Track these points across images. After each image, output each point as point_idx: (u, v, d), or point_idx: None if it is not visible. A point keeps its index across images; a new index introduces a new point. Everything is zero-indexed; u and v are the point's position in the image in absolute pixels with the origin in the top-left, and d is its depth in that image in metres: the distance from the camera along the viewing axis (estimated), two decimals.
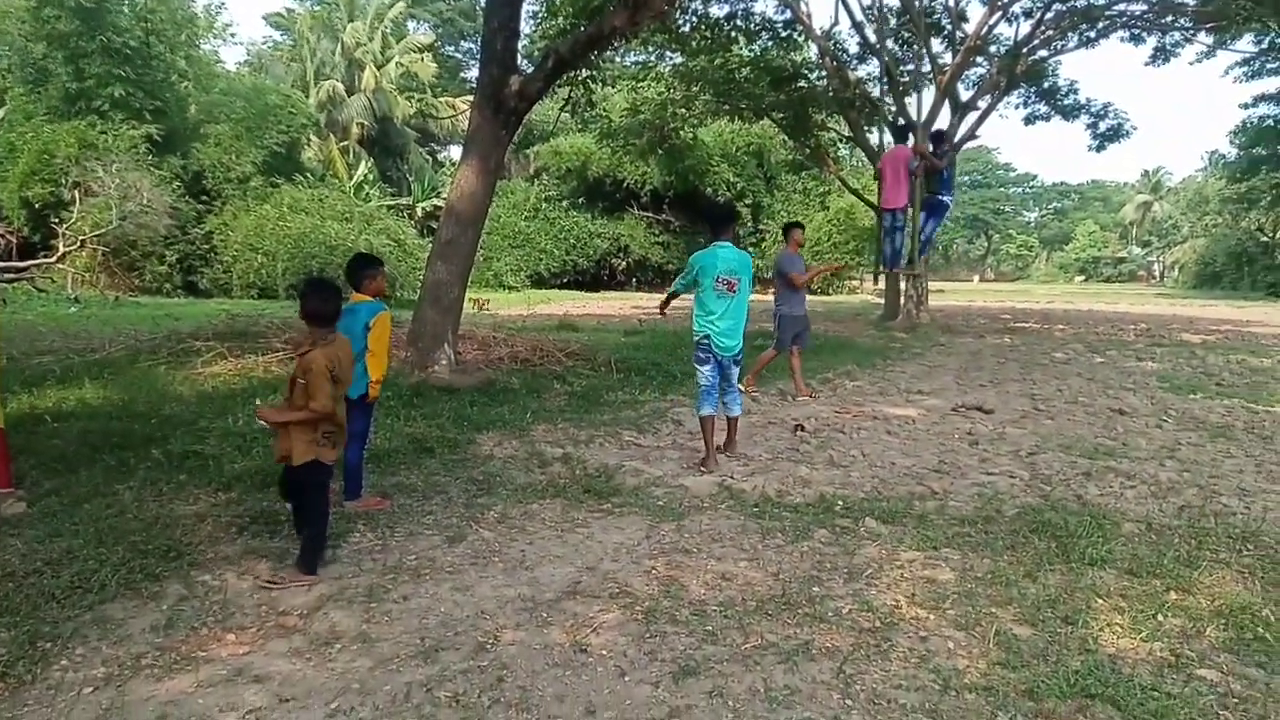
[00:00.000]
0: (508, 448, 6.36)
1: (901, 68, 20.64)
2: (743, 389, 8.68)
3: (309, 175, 26.77)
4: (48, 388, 7.88)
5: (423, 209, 36.71)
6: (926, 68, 21.42)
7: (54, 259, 20.96)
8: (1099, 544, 4.29)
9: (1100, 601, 3.68)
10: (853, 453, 6.47)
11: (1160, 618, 3.51)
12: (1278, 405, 8.68)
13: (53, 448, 5.79)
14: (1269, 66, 36.40)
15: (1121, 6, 19.46)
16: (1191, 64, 25.47)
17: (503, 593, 3.80)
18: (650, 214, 38.65)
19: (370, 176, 33.77)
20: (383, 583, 3.85)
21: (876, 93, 21.21)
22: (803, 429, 7.25)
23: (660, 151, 27.39)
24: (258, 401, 3.79)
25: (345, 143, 36.22)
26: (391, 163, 39.37)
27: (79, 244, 21.26)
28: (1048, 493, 5.35)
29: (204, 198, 23.89)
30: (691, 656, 3.20)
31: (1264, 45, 23.78)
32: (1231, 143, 42.40)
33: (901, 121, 15.29)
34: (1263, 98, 38.27)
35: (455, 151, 52.02)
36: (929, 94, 21.70)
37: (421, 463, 5.83)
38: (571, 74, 10.73)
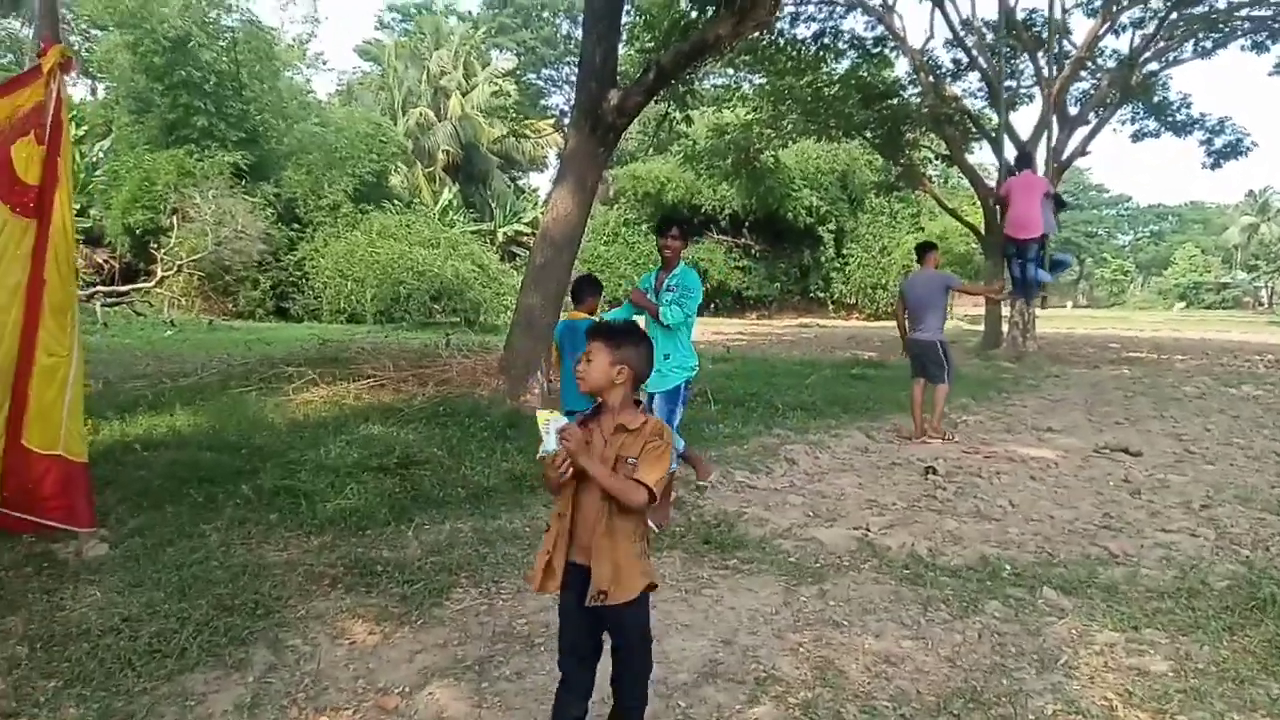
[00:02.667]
0: (549, 466, 5.84)
1: (1004, 83, 19.69)
2: (943, 439, 8.05)
3: (397, 202, 27.10)
4: (139, 414, 7.72)
5: (504, 234, 36.98)
6: (1028, 81, 20.47)
7: (152, 283, 21.58)
8: None
9: None
10: (999, 502, 5.75)
11: None
12: None
13: (140, 480, 5.52)
14: None
15: (1247, 11, 18.15)
16: None
17: None
18: (729, 238, 38.13)
19: (454, 202, 34.15)
20: (493, 654, 3.35)
21: (976, 107, 20.38)
22: (934, 472, 6.55)
23: (743, 174, 26.92)
24: (546, 413, 2.36)
25: (431, 169, 36.82)
26: (475, 189, 39.81)
27: (176, 269, 21.86)
28: (1248, 558, 4.56)
29: (296, 225, 24.36)
30: None
31: None
32: None
33: (1024, 149, 14.41)
34: None
35: (536, 178, 52.60)
36: (1029, 110, 20.76)
37: (523, 503, 5.36)
38: (668, 90, 10.30)
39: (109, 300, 20.32)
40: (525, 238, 37.84)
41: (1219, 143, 21.64)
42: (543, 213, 34.44)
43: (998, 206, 12.76)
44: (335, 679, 3.12)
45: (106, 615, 3.47)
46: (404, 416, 7.72)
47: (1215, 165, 22.47)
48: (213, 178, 21.90)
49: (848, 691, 3.12)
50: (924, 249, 8.39)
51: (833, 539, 4.82)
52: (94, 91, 30.89)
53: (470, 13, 52.07)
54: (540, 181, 53.49)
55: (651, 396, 5.87)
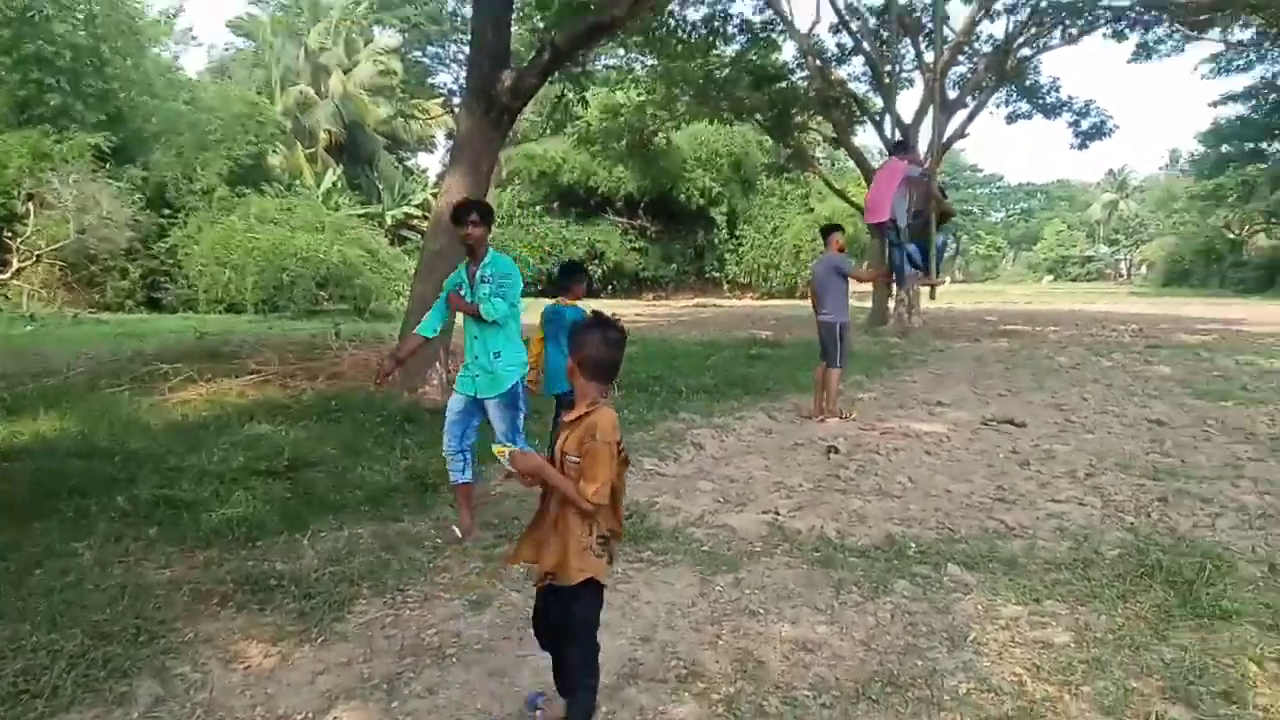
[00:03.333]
0: (520, 481, 5.69)
1: (885, 67, 20.25)
2: (840, 418, 8.12)
3: (276, 184, 25.82)
4: None
5: (393, 217, 35.79)
6: (909, 66, 21.10)
7: (7, 274, 19.91)
8: (1223, 591, 3.74)
9: (1256, 670, 3.12)
10: (899, 479, 5.90)
11: None
12: None
13: (1, 494, 5.03)
14: (1236, 63, 36.83)
15: (1108, 2, 19.22)
16: (1164, 58, 25.92)
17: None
18: (625, 220, 38.13)
19: (339, 184, 32.80)
20: (401, 669, 3.18)
21: (861, 91, 20.90)
22: (836, 451, 6.67)
23: (637, 156, 26.89)
24: (502, 447, 2.73)
25: (313, 150, 35.22)
26: (360, 170, 38.33)
27: (34, 259, 20.23)
28: (1133, 525, 4.81)
29: (166, 210, 22.85)
30: None
31: (1234, 39, 23.72)
32: (1200, 141, 42.75)
33: (899, 136, 14.82)
34: (1231, 96, 38.57)
35: (424, 159, 51.11)
36: (910, 93, 21.46)
37: (425, 503, 5.17)
38: (562, 71, 10.10)
39: None
40: (416, 220, 36.74)
41: (1085, 124, 22.89)
42: (434, 195, 33.45)
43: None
44: (230, 708, 2.90)
45: None
46: (293, 414, 7.36)
47: (1082, 146, 23.78)
48: (72, 160, 20.26)
49: (768, 683, 3.10)
50: (826, 231, 8.51)
51: (744, 524, 4.83)
52: None
53: None
54: (429, 162, 52.08)
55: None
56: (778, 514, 5.05)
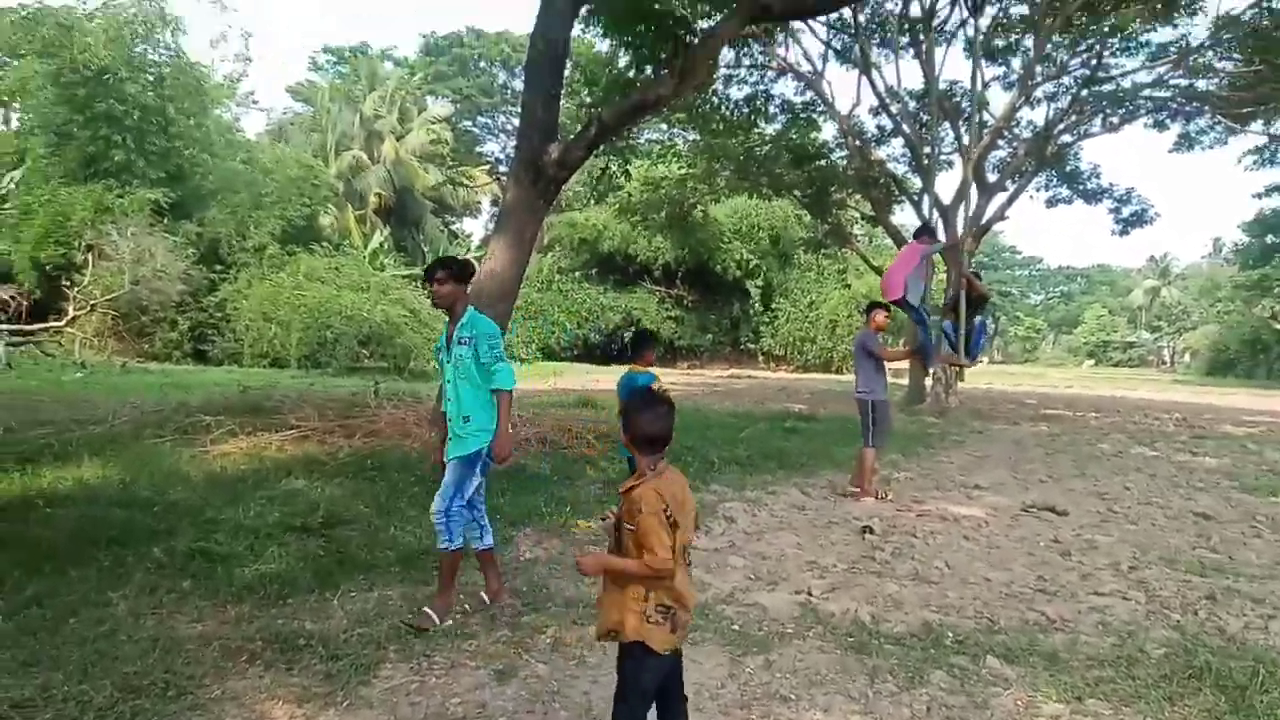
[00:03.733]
0: (549, 549, 5.69)
1: (925, 149, 20.49)
2: (876, 498, 8.00)
3: (325, 244, 26.56)
4: (44, 465, 7.25)
5: None
6: (949, 148, 21.33)
7: (63, 322, 20.56)
8: (1278, 699, 3.57)
9: None
10: (936, 564, 5.76)
11: None
12: None
13: (43, 540, 5.12)
14: None
15: (1149, 92, 19.36)
16: (1206, 149, 26.15)
17: None
18: (662, 289, 38.51)
19: (385, 245, 33.64)
20: None
21: (900, 171, 21.13)
22: (871, 531, 6.56)
23: (676, 226, 27.33)
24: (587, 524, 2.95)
25: (362, 212, 36.28)
26: (407, 233, 39.39)
27: (89, 308, 20.89)
28: (1180, 623, 4.64)
29: (219, 265, 23.59)
30: None
31: (1277, 132, 23.62)
32: (1244, 230, 42.36)
33: (936, 217, 14.87)
34: (1275, 188, 38.30)
35: (469, 224, 52.31)
36: (949, 175, 21.63)
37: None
38: (607, 144, 10.37)
39: (14, 339, 19.24)
40: None
41: (1126, 211, 22.88)
42: (477, 258, 34.20)
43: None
44: None
45: None
46: (329, 470, 7.43)
47: (1123, 233, 23.75)
48: (131, 214, 21.09)
49: None
50: (869, 308, 8.50)
51: (775, 604, 4.74)
52: (6, 121, 29.64)
53: (406, 58, 52.08)
54: (473, 227, 53.28)
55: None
56: (810, 594, 4.95)
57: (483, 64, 52.14)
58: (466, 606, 4.49)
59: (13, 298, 22.32)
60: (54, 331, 20.64)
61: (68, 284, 21.00)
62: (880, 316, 8.25)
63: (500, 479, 7.57)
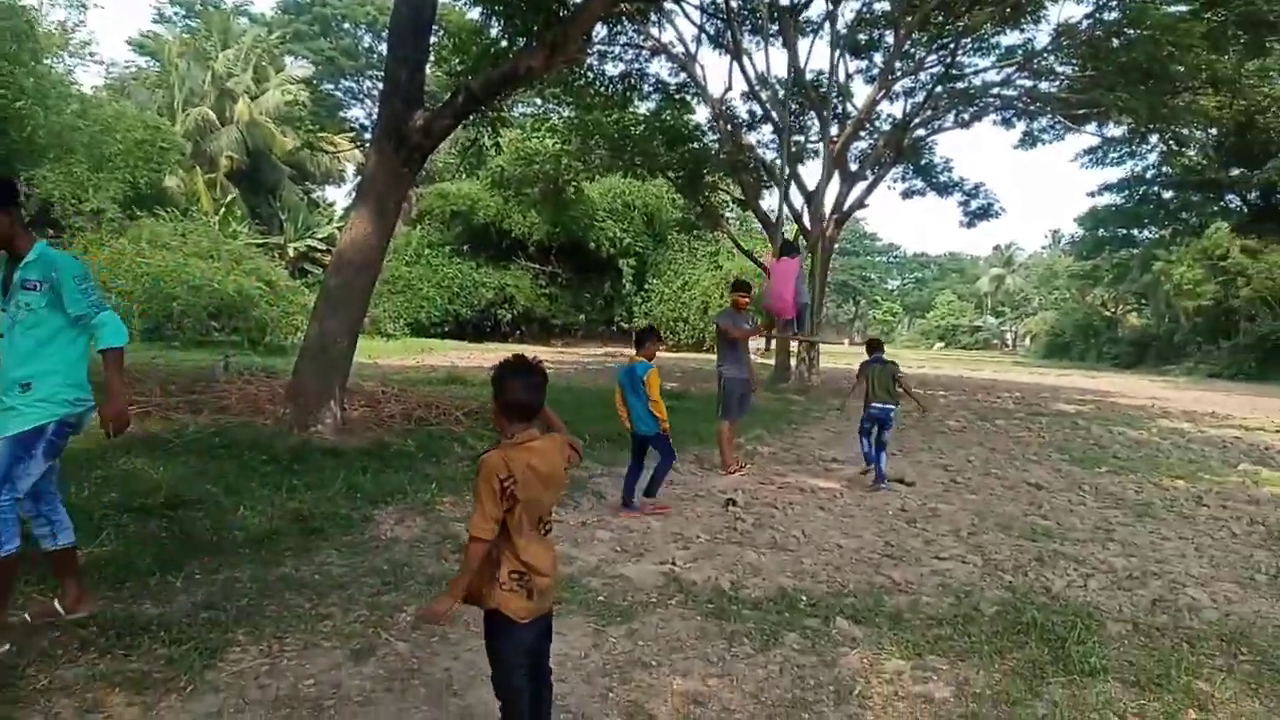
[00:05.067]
0: (412, 527, 5.55)
1: (792, 137, 21.10)
2: (732, 470, 8.14)
3: (172, 209, 24.79)
4: None
5: (295, 249, 34.86)
6: (814, 137, 22.07)
7: None
8: (1092, 649, 3.92)
9: None
10: (794, 533, 5.99)
11: None
12: (1180, 480, 8.85)
13: None
14: (1111, 157, 39.83)
15: (997, 91, 20.62)
16: (1046, 144, 28.48)
17: None
18: (537, 265, 38.14)
19: (239, 213, 31.75)
20: None
21: (769, 158, 21.68)
22: (734, 504, 6.75)
23: (550, 202, 27.09)
24: None
25: (213, 176, 34.07)
26: (263, 199, 37.27)
27: None
28: (1011, 584, 5.01)
29: (50, 231, 21.60)
30: None
31: (1108, 134, 25.70)
32: (1079, 224, 45.89)
33: (787, 241, 15.32)
34: (1106, 187, 41.61)
35: (331, 191, 50.11)
36: (814, 164, 22.39)
37: (311, 547, 4.94)
38: (477, 114, 10.13)
39: None
40: (319, 254, 35.87)
41: (974, 205, 24.42)
42: (339, 229, 32.78)
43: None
44: None
45: None
46: (172, 449, 6.98)
47: (970, 224, 25.35)
48: None
49: None
50: (732, 287, 8.68)
51: (640, 575, 4.82)
52: None
53: (263, 14, 49.13)
54: (336, 196, 51.07)
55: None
56: (674, 564, 5.06)
57: (346, 25, 49.85)
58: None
59: None
60: None
61: None
62: (742, 296, 8.45)
63: (363, 456, 7.34)
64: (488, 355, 25.90)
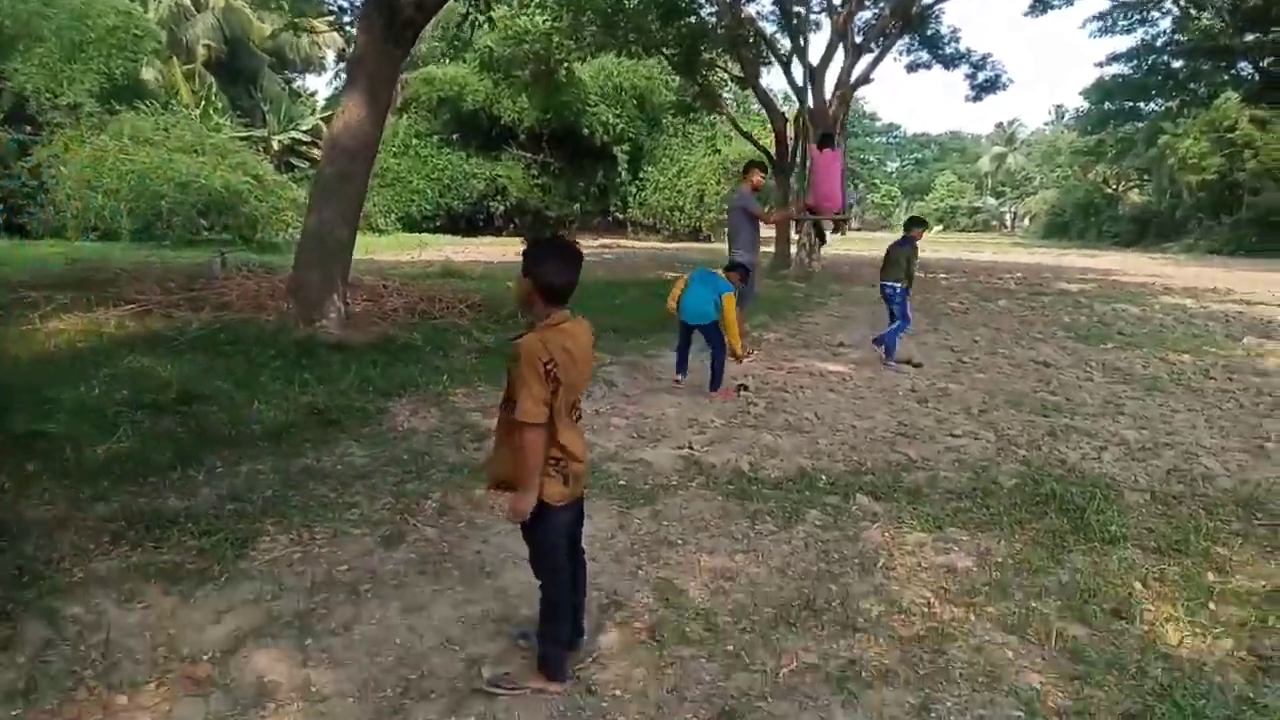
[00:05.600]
0: (427, 418, 5.55)
1: (794, 8, 20.18)
2: (748, 356, 8.10)
3: (151, 102, 23.87)
4: None
5: (280, 142, 33.83)
6: (818, 7, 21.12)
7: None
8: (1111, 518, 3.98)
9: (1141, 589, 3.35)
10: (807, 415, 6.02)
11: (1213, 606, 3.21)
12: (1186, 355, 8.87)
13: None
14: (1121, 24, 38.36)
15: None
16: (1059, 8, 27.47)
17: (467, 611, 3.11)
18: (529, 154, 37.15)
19: (220, 105, 30.67)
20: (313, 606, 3.07)
21: (769, 31, 20.85)
22: (745, 389, 6.76)
23: (541, 85, 26.13)
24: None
25: (191, 66, 32.74)
26: (243, 90, 35.90)
27: None
28: (1026, 458, 5.06)
29: (27, 127, 20.88)
30: (726, 692, 2.63)
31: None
32: (1084, 97, 44.65)
33: (828, 131, 14.64)
34: (1115, 56, 40.28)
35: (312, 80, 48.28)
36: (816, 38, 21.49)
37: (329, 439, 4.95)
38: None
39: None
40: (304, 146, 34.86)
41: (981, 77, 23.61)
42: (324, 119, 31.64)
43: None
44: (129, 649, 2.73)
45: None
46: (177, 346, 6.93)
47: (977, 98, 24.58)
48: None
49: (689, 610, 3.14)
50: (748, 168, 8.37)
51: (659, 459, 4.85)
52: None
53: None
54: (317, 84, 49.24)
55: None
56: (692, 448, 5.09)
57: None
58: (345, 476, 4.33)
59: None
60: None
61: None
62: (757, 177, 8.21)
63: (371, 351, 7.30)
64: (483, 249, 25.62)
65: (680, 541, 3.75)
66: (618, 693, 2.61)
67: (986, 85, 23.72)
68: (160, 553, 3.39)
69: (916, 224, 8.81)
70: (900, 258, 8.29)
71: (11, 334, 7.10)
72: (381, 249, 22.98)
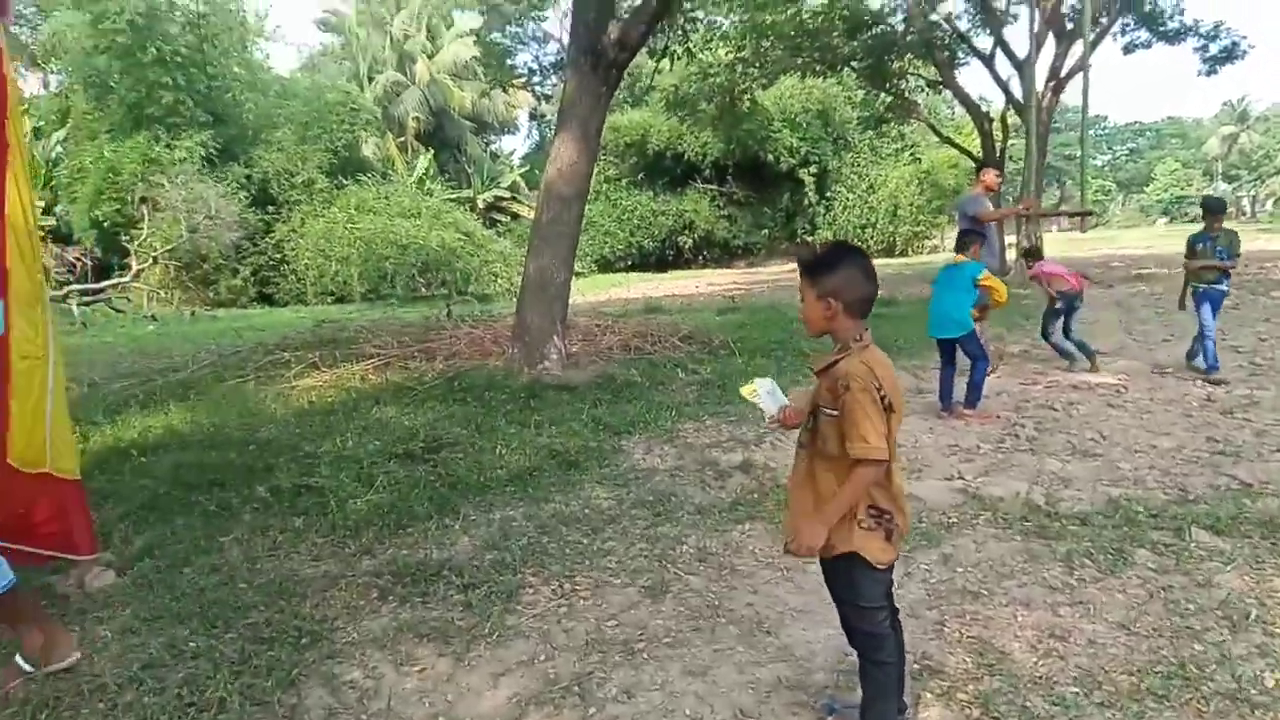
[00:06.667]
0: (664, 455, 5.31)
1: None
2: (991, 372, 7.39)
3: (372, 174, 26.10)
4: (131, 415, 7.10)
5: (484, 200, 35.96)
6: None
7: (129, 277, 20.70)
8: None
9: None
10: (1090, 435, 5.25)
11: None
12: None
13: (142, 490, 4.92)
14: None
15: None
16: None
17: (754, 676, 2.75)
18: (714, 187, 37.24)
19: (430, 170, 33.05)
20: (589, 668, 2.82)
21: (963, 28, 19.66)
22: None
23: (725, 118, 26.07)
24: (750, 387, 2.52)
25: (403, 139, 35.64)
26: (449, 156, 38.62)
27: (152, 260, 20.97)
28: None
29: (271, 206, 23.39)
30: None
31: None
32: None
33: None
34: None
35: (508, 142, 51.24)
36: (1014, 30, 19.96)
37: (572, 481, 4.80)
38: (666, 22, 9.59)
39: (84, 299, 19.44)
40: (505, 202, 36.85)
41: (1215, 48, 21.02)
42: (522, 176, 33.15)
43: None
44: (409, 718, 2.59)
45: (123, 663, 2.91)
46: (418, 396, 7.15)
47: (1211, 71, 21.87)
48: (181, 163, 20.88)
49: (1021, 679, 2.61)
50: (978, 168, 7.75)
51: (930, 494, 4.31)
52: (45, 85, 29.46)
53: None
54: (513, 144, 52.15)
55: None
56: (963, 479, 4.51)
57: None
58: (596, 521, 4.13)
59: (78, 258, 22.60)
60: (121, 287, 20.81)
61: (127, 239, 21.05)
62: (990, 176, 7.51)
63: (594, 389, 7.23)
64: (674, 284, 25.70)
65: (984, 592, 3.22)
66: None
67: (1222, 56, 21.06)
68: (428, 609, 3.29)
69: (1210, 212, 7.48)
70: (1206, 253, 7.16)
71: (270, 393, 7.63)
72: (581, 290, 23.60)
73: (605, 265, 34.84)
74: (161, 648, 2.99)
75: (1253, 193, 73.11)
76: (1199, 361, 7.09)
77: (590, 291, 23.50)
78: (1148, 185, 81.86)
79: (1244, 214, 71.77)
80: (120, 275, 21.26)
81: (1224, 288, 7.07)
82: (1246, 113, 77.76)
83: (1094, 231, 61.38)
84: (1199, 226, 7.54)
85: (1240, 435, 5.05)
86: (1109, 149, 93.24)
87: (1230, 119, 78.26)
